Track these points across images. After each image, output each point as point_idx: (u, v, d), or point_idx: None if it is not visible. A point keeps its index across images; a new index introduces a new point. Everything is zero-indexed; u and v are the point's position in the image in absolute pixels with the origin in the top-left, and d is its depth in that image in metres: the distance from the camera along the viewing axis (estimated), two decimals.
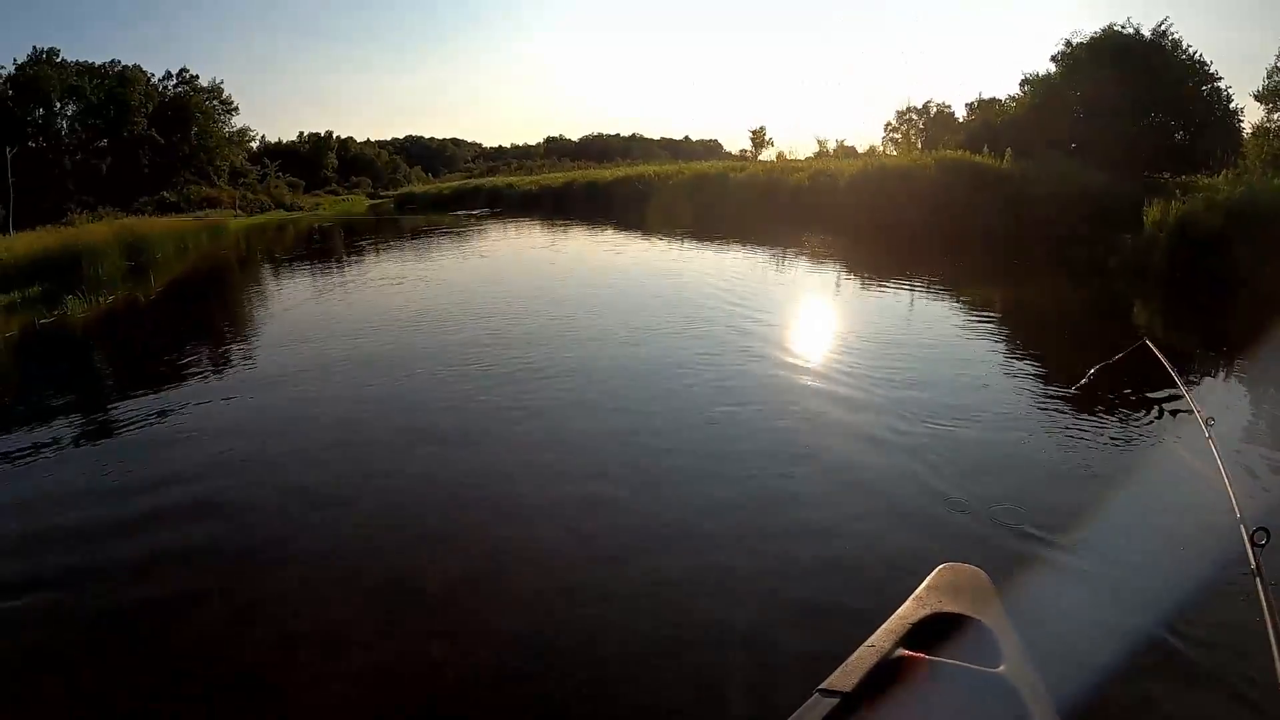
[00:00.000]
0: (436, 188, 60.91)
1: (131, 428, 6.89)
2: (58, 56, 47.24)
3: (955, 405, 6.37)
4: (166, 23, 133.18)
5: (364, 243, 27.46)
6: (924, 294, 11.95)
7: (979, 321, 10.21)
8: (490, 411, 6.76)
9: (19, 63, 46.64)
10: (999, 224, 17.67)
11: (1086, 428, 5.91)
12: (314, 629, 3.74)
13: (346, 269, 19.96)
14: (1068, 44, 23.52)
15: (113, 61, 50.45)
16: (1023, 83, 25.88)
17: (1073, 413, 6.22)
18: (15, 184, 37.40)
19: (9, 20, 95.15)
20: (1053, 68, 24.19)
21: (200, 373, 8.94)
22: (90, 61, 49.42)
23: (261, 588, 4.15)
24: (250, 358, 9.80)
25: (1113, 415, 6.15)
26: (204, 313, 14.48)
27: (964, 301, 11.49)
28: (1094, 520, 4.31)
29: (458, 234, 28.00)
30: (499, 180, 52.92)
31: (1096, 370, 6.73)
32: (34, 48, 47.81)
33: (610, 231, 25.03)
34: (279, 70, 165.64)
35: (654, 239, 21.89)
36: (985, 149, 20.84)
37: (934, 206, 18.76)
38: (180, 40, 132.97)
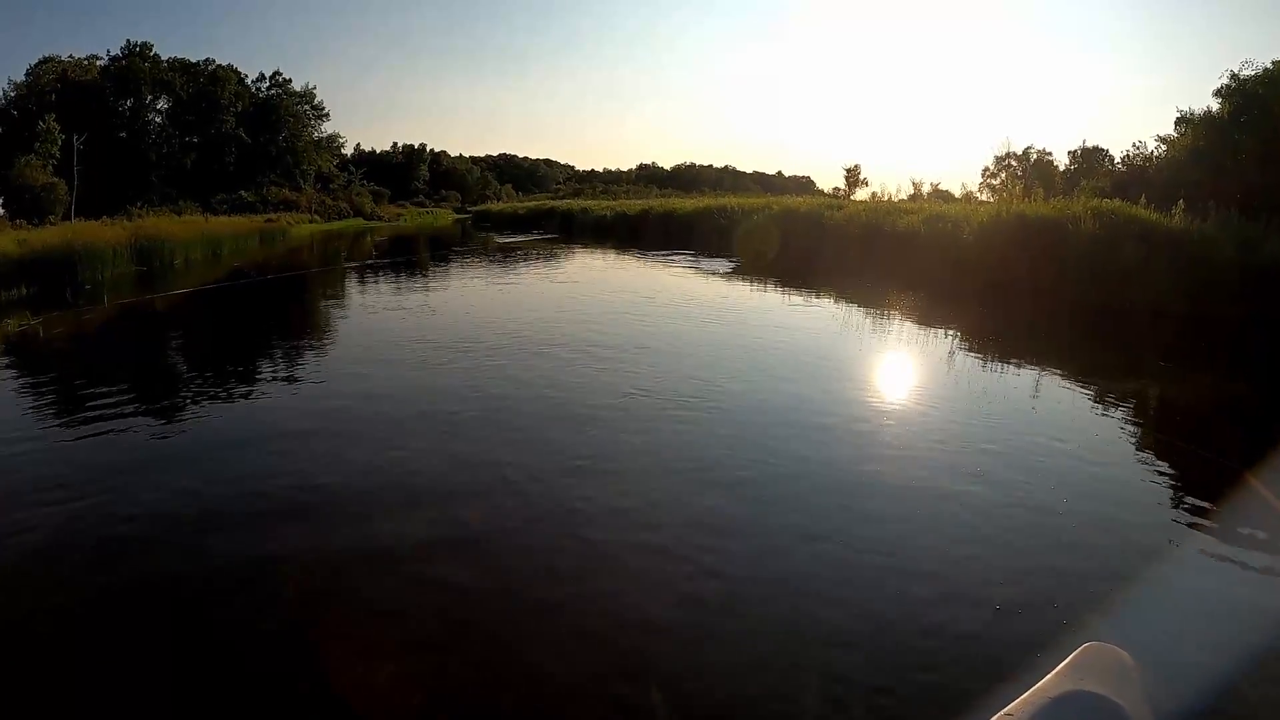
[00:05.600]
0: (512, 207, 59.94)
1: None
2: (150, 51, 47.66)
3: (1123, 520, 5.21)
4: (268, 28, 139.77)
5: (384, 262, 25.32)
6: (1108, 411, 8.29)
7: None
8: None
9: (111, 55, 47.33)
10: (1170, 299, 13.54)
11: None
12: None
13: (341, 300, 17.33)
14: (1234, 77, 19.78)
15: (207, 60, 50.87)
16: (1179, 121, 22.31)
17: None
18: (100, 174, 37.16)
19: (108, 14, 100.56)
20: (1215, 104, 20.35)
21: None
22: (184, 58, 49.94)
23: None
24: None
25: None
26: (118, 361, 10.21)
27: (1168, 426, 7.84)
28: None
29: (486, 262, 25.42)
30: (574, 204, 50.79)
31: None
32: (127, 41, 48.64)
33: (680, 269, 21.85)
34: (378, 79, 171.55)
35: (735, 282, 18.62)
36: (1143, 199, 16.66)
37: (1080, 267, 14.83)
38: (279, 45, 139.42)
